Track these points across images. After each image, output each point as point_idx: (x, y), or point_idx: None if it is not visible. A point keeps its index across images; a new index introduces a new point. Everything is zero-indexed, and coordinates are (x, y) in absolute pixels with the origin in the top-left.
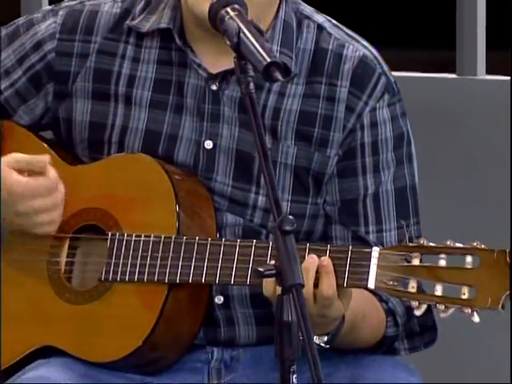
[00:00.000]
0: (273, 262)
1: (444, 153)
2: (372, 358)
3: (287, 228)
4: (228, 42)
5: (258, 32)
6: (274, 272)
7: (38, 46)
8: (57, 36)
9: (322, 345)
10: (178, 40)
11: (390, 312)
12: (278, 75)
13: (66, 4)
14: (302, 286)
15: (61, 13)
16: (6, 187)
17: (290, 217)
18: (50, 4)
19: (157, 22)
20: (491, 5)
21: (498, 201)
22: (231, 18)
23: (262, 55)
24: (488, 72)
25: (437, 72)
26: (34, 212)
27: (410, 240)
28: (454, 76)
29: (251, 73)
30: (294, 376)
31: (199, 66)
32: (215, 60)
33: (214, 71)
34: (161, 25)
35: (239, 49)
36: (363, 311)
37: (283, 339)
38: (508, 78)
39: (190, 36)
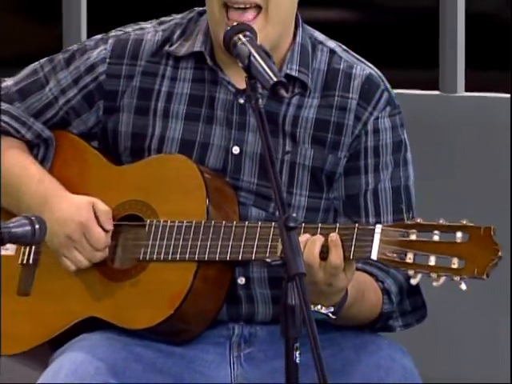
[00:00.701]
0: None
1: (429, 159)
2: (371, 340)
3: (291, 224)
4: (240, 64)
5: (266, 55)
6: (279, 262)
7: (91, 68)
8: (107, 60)
9: (330, 315)
10: (209, 61)
11: (385, 291)
12: (284, 92)
13: (114, 34)
14: (304, 274)
15: (110, 41)
16: (78, 212)
17: (294, 215)
18: (88, 36)
19: (191, 47)
20: (470, 29)
21: (476, 200)
22: (243, 43)
23: (269, 75)
24: (467, 89)
25: (422, 89)
26: (73, 245)
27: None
28: (437, 93)
29: (260, 90)
30: (298, 352)
31: (228, 82)
32: (241, 78)
33: (241, 87)
34: (194, 48)
35: (250, 70)
36: (363, 289)
37: (288, 320)
38: (485, 94)
39: (219, 57)
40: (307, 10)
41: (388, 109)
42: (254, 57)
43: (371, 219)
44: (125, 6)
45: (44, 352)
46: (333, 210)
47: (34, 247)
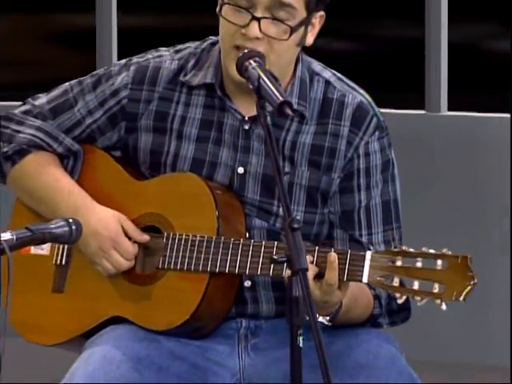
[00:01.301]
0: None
1: (414, 172)
2: (362, 332)
3: (295, 226)
4: (250, 86)
5: (274, 78)
6: (284, 259)
7: (115, 93)
8: (129, 86)
9: (325, 322)
10: (218, 92)
11: (376, 296)
12: (289, 111)
13: (136, 60)
14: (306, 269)
15: (132, 68)
16: (107, 225)
17: (298, 217)
18: (118, 56)
19: (203, 78)
20: (452, 57)
21: (458, 211)
22: (253, 67)
23: (276, 96)
24: (450, 109)
25: (410, 109)
26: (103, 255)
27: (394, 240)
28: (423, 112)
29: (268, 109)
30: (301, 338)
31: (235, 110)
32: (247, 107)
33: (246, 115)
34: (206, 80)
35: (259, 91)
36: (356, 297)
37: (292, 309)
38: (467, 113)
39: (227, 88)
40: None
41: (377, 133)
42: (263, 79)
43: (364, 231)
44: (151, 38)
45: (77, 341)
46: (327, 223)
47: (65, 250)
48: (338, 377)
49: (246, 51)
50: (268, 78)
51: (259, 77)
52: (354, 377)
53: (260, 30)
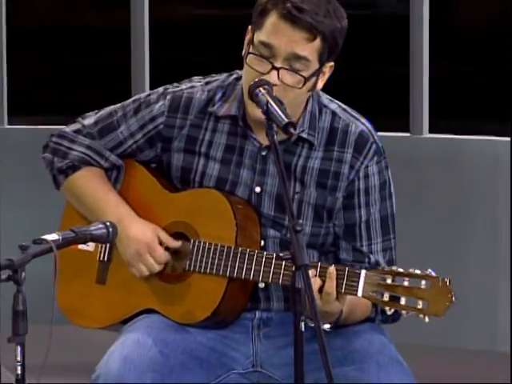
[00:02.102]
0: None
1: (400, 187)
2: (356, 330)
3: (298, 228)
4: (260, 109)
5: (280, 103)
6: (289, 256)
7: (153, 119)
8: (165, 114)
9: (327, 329)
10: (240, 122)
11: (373, 304)
12: (293, 130)
13: (171, 90)
14: (307, 265)
15: (168, 97)
16: (144, 234)
17: (300, 221)
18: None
19: (228, 110)
20: (433, 85)
21: (440, 223)
22: (262, 94)
23: (282, 118)
24: (430, 132)
25: (395, 132)
26: (139, 259)
27: (390, 249)
28: (407, 134)
29: (275, 129)
30: (303, 323)
31: (254, 139)
32: (264, 137)
33: (264, 144)
34: (231, 112)
35: (268, 114)
36: (355, 306)
37: (295, 299)
38: (448, 135)
39: (249, 119)
40: None
41: (375, 158)
42: (271, 104)
43: (364, 242)
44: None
45: (116, 326)
46: (332, 234)
47: (108, 248)
48: (337, 361)
49: (256, 80)
50: (275, 103)
51: (267, 102)
52: (350, 360)
53: (278, 77)
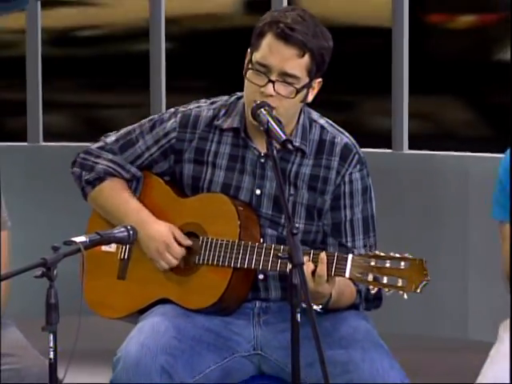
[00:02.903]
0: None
1: (382, 196)
2: (345, 312)
3: (294, 231)
4: (261, 128)
5: (278, 122)
6: (287, 256)
7: (166, 134)
8: (176, 129)
9: (318, 310)
10: (242, 134)
11: (358, 291)
12: (290, 146)
13: (181, 110)
14: (303, 263)
15: (178, 115)
16: (161, 234)
17: (297, 225)
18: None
19: (231, 123)
20: (412, 108)
21: (416, 228)
22: (264, 114)
23: (280, 135)
24: (410, 148)
25: (378, 148)
26: (158, 256)
27: (371, 246)
28: (390, 151)
29: (274, 144)
30: (298, 314)
31: (254, 148)
32: (263, 146)
33: (262, 152)
34: (233, 125)
35: (268, 131)
36: (343, 291)
37: (292, 293)
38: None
39: (249, 131)
40: None
41: (358, 166)
42: (270, 123)
43: (349, 239)
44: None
45: (134, 316)
46: (321, 232)
47: (127, 248)
48: (327, 345)
49: (258, 102)
50: (274, 122)
51: (268, 121)
52: (338, 345)
53: (274, 89)
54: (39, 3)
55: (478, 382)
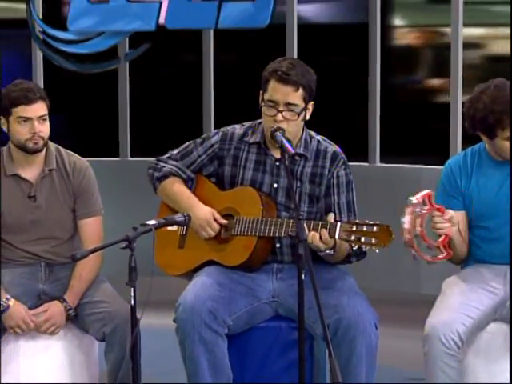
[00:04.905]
0: None
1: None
2: (336, 270)
3: (300, 216)
4: (277, 144)
5: (288, 141)
6: (294, 234)
7: (212, 146)
8: (218, 142)
9: (328, 252)
10: (263, 146)
11: (350, 247)
12: (297, 157)
13: (222, 130)
14: (306, 240)
15: (220, 133)
16: (205, 215)
17: (301, 211)
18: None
19: (255, 139)
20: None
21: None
22: (279, 136)
23: (290, 150)
24: (381, 162)
25: (357, 162)
26: (203, 230)
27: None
28: (366, 164)
29: (286, 156)
30: (303, 274)
31: (272, 155)
32: (277, 154)
33: (276, 157)
34: (257, 140)
35: (281, 147)
36: (341, 243)
37: (299, 259)
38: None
39: (268, 143)
40: None
41: (343, 166)
42: (283, 142)
43: (337, 218)
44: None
45: (190, 274)
46: (320, 212)
47: (184, 229)
48: (324, 294)
49: (274, 127)
50: (286, 141)
51: (281, 140)
52: (331, 293)
53: (282, 116)
54: (128, 64)
55: (428, 320)
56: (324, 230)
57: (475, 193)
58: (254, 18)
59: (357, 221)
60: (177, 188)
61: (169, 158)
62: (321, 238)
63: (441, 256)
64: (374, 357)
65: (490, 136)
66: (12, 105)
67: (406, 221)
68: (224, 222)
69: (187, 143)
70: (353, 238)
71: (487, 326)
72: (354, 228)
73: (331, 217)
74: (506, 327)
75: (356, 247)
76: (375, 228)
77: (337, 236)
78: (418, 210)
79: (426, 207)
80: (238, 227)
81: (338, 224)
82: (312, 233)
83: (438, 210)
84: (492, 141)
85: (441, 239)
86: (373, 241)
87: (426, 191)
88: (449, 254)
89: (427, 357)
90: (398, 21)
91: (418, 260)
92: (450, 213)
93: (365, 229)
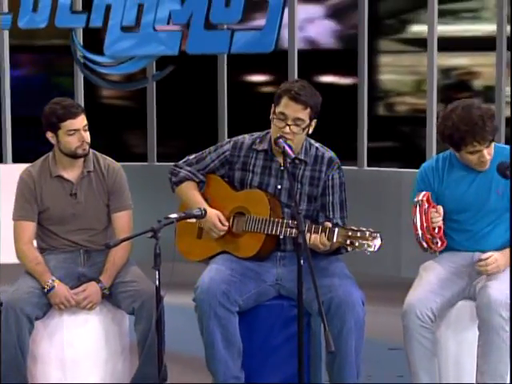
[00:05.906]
0: None
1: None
2: (329, 258)
3: (299, 212)
4: (280, 150)
5: (289, 147)
6: (295, 225)
7: (223, 152)
8: (230, 150)
9: (324, 249)
10: (269, 153)
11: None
12: (298, 161)
13: (234, 139)
14: (304, 231)
15: (231, 142)
16: (212, 217)
17: (301, 208)
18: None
19: (263, 146)
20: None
21: (370, 221)
22: (282, 143)
23: (290, 155)
24: (368, 166)
25: (348, 166)
26: (211, 230)
27: (345, 217)
28: (355, 168)
29: (288, 161)
30: (302, 260)
31: (277, 161)
32: (281, 159)
33: (281, 163)
34: (264, 147)
35: (284, 152)
36: (334, 245)
37: (298, 248)
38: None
39: (274, 151)
40: None
41: (337, 170)
42: (285, 148)
43: (331, 214)
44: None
45: (206, 261)
46: (316, 211)
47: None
48: (320, 277)
49: (278, 135)
50: (287, 147)
51: (284, 146)
52: (325, 276)
53: (290, 129)
54: (154, 83)
55: (406, 298)
56: (323, 234)
57: (447, 191)
58: (261, 44)
59: (352, 227)
60: (189, 192)
61: (185, 162)
62: (320, 240)
63: (440, 245)
64: (361, 329)
65: (456, 149)
66: (60, 120)
67: (418, 219)
68: (226, 223)
69: (203, 150)
70: (348, 242)
71: (457, 303)
72: (350, 233)
73: (329, 224)
74: (472, 304)
75: (350, 250)
76: (367, 234)
77: (334, 240)
78: (425, 208)
79: (429, 205)
80: (248, 224)
81: (336, 229)
82: (313, 235)
83: (433, 206)
84: (458, 153)
85: (437, 231)
86: (365, 246)
87: (424, 192)
88: (444, 243)
89: (405, 329)
90: None
91: (430, 252)
92: (440, 208)
93: (359, 235)
